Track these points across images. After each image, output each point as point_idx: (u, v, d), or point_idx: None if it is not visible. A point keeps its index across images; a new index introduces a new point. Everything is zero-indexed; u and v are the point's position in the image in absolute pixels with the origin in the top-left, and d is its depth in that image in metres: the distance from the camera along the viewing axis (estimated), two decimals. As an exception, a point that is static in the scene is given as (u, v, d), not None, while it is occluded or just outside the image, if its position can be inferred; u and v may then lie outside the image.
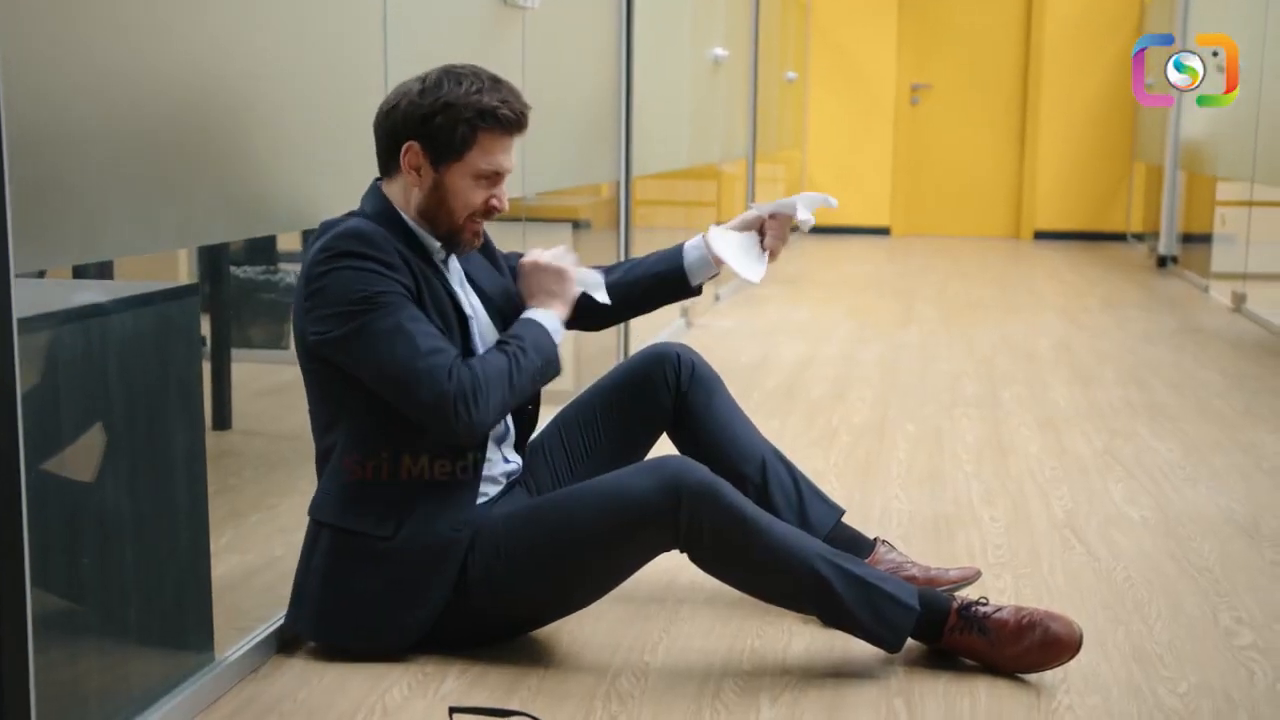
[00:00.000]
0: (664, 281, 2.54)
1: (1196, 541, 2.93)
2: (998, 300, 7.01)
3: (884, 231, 10.79)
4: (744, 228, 2.55)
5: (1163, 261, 8.60)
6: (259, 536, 2.93)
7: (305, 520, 2.96)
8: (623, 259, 4.73)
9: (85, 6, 1.74)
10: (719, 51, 6.43)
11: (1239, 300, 6.59)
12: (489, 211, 2.25)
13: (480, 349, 2.30)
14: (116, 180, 1.81)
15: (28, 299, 1.63)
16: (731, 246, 2.49)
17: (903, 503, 3.23)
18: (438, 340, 2.14)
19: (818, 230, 10.68)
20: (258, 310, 4.86)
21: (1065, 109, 10.40)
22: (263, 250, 4.67)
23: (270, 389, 4.43)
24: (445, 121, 2.17)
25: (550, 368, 2.27)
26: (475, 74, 2.21)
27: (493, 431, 2.32)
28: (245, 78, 2.14)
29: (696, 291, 2.57)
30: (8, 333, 1.57)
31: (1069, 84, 10.38)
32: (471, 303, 2.34)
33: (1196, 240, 8.22)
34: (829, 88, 10.65)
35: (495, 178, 2.23)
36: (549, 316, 2.31)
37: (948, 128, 10.70)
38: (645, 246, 5.29)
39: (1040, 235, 10.57)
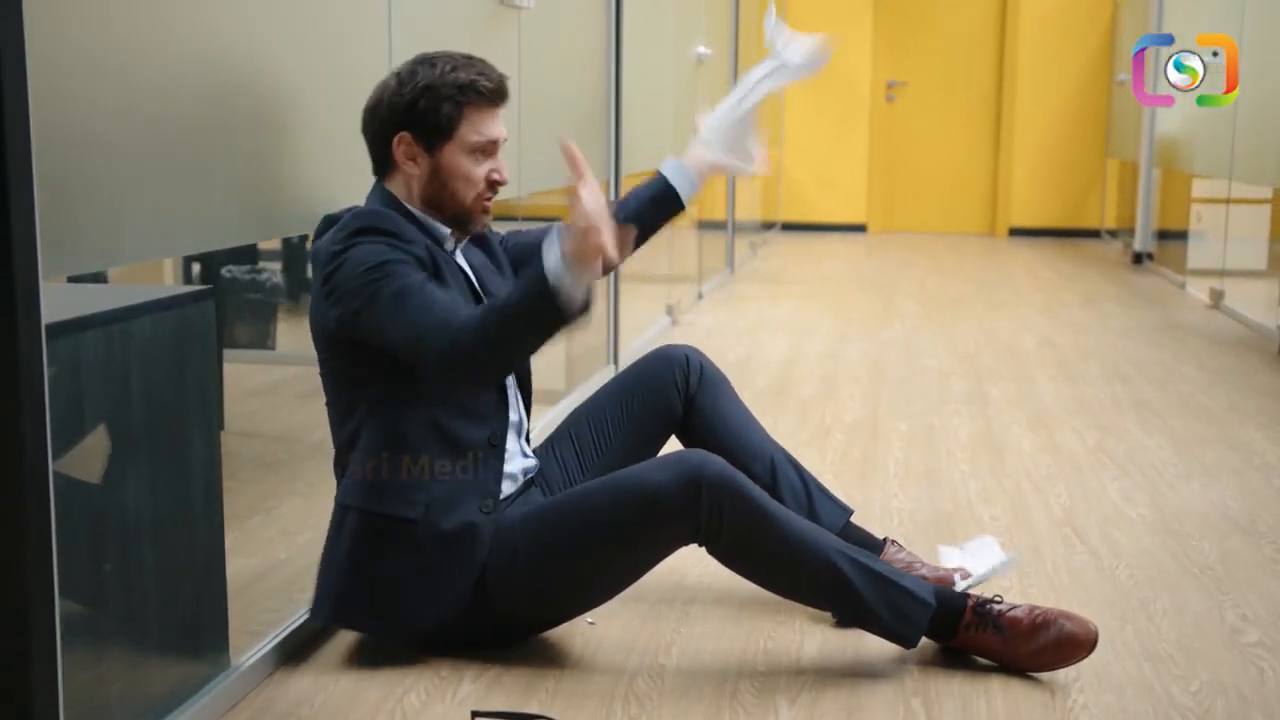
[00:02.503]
0: (659, 205, 2.52)
1: (1195, 539, 2.96)
2: (977, 297, 7.05)
3: (860, 228, 10.83)
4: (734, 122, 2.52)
5: (1138, 258, 8.66)
6: (261, 539, 2.91)
7: (305, 521, 2.96)
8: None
9: (106, 16, 1.72)
10: (702, 50, 6.44)
11: (1217, 297, 6.65)
12: (492, 186, 2.26)
13: None
14: (136, 186, 1.80)
15: (52, 304, 1.62)
16: (720, 143, 2.45)
17: (902, 501, 3.25)
18: (436, 295, 2.09)
19: (794, 227, 10.72)
20: (243, 310, 4.84)
21: (1040, 106, 10.46)
22: (244, 250, 4.65)
23: (259, 389, 4.41)
24: (429, 104, 2.19)
25: (547, 313, 1.99)
26: (448, 55, 2.24)
27: (511, 420, 2.32)
28: (258, 83, 2.13)
29: (683, 207, 2.55)
30: (36, 338, 1.55)
31: (1043, 81, 10.44)
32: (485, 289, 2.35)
33: (1172, 237, 8.29)
34: (806, 85, 10.63)
35: (490, 147, 2.25)
36: (551, 254, 1.98)
37: (923, 125, 10.75)
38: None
39: (1015, 232, 10.63)
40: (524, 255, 2.45)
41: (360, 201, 2.40)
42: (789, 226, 10.80)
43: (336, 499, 2.26)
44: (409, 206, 2.26)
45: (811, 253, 9.32)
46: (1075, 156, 10.49)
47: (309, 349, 2.28)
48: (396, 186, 2.26)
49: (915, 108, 10.75)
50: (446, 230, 2.27)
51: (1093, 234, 10.47)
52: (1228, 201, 6.72)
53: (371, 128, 2.25)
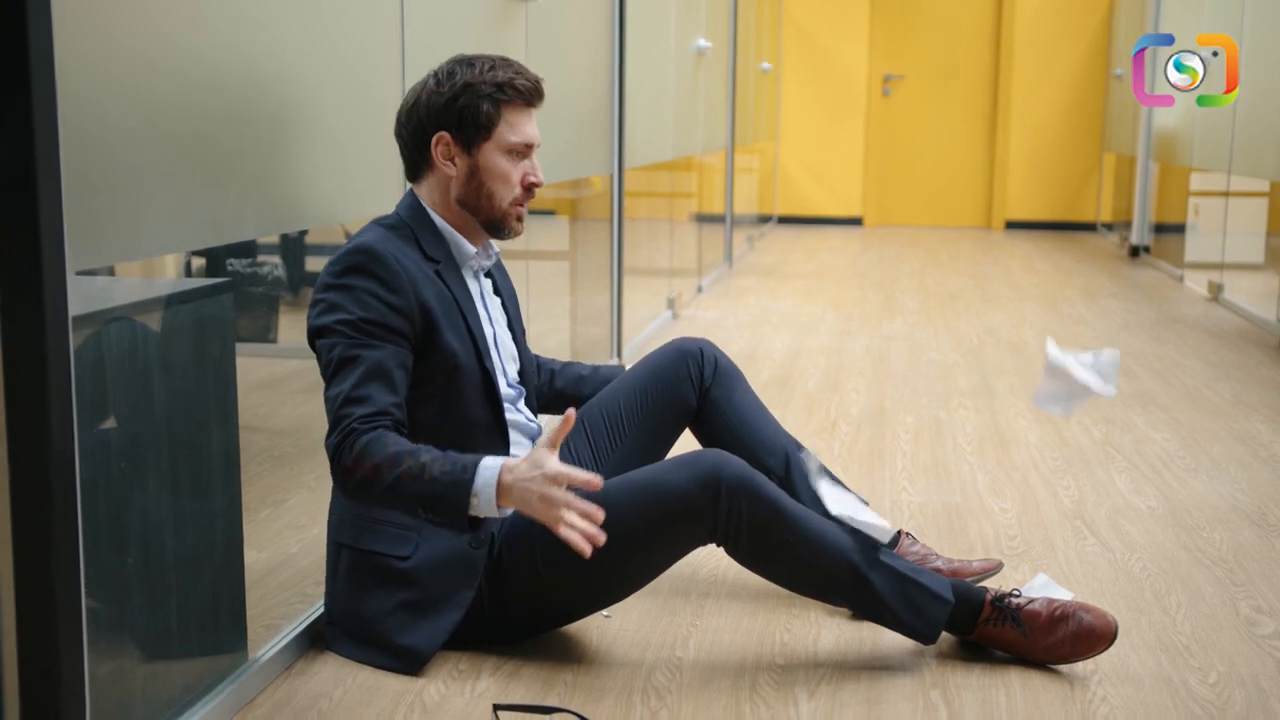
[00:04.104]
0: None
1: (1206, 531, 2.96)
2: (976, 291, 7.05)
3: (856, 222, 10.83)
4: None
5: (1135, 251, 8.68)
6: (271, 533, 2.90)
7: (315, 515, 2.95)
8: (615, 255, 4.74)
9: (131, 20, 1.72)
10: (702, 42, 6.43)
11: (1216, 290, 6.66)
12: (528, 189, 2.26)
13: (498, 365, 2.30)
14: (158, 179, 1.79)
15: (77, 297, 1.61)
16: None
17: (911, 494, 3.25)
18: (372, 387, 2.06)
19: (790, 221, 10.72)
20: (245, 303, 4.82)
21: (1036, 100, 10.47)
22: (243, 243, 4.63)
23: (262, 382, 4.40)
24: (468, 103, 2.19)
25: (445, 516, 2.00)
26: (484, 56, 2.25)
27: (527, 429, 2.33)
28: (273, 79, 2.12)
29: None
30: (63, 331, 1.55)
31: (1040, 75, 10.44)
32: (494, 317, 2.34)
33: (1169, 230, 8.30)
34: (802, 78, 10.68)
35: (526, 150, 2.25)
36: (489, 479, 1.97)
37: (920, 118, 10.75)
38: (635, 238, 5.29)
39: (1011, 225, 10.64)
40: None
41: (375, 196, 2.40)
42: (785, 220, 10.81)
43: (329, 533, 2.26)
44: (437, 218, 2.25)
45: (808, 246, 9.32)
46: (1071, 150, 10.50)
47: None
48: (431, 191, 2.25)
49: (912, 101, 10.76)
50: (472, 250, 2.27)
51: (1088, 227, 10.49)
52: (1226, 195, 6.73)
53: (408, 128, 2.24)
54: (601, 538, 1.93)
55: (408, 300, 2.13)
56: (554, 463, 1.94)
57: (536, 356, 2.62)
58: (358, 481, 2.01)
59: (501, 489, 1.96)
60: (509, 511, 1.99)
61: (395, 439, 2.02)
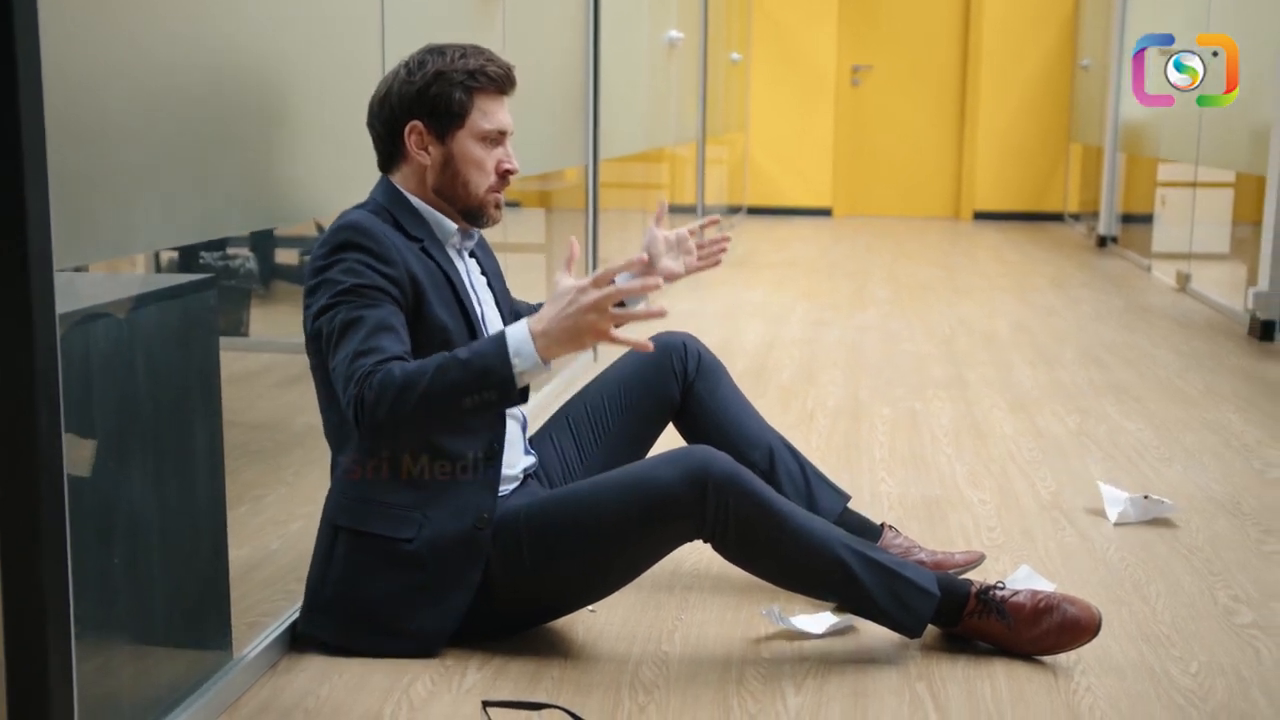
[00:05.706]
0: None
1: (1182, 521, 2.99)
2: (947, 281, 7.08)
3: (825, 213, 10.85)
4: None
5: (1102, 241, 8.73)
6: (250, 529, 2.89)
7: (294, 510, 2.94)
8: (590, 247, 4.73)
9: (118, 13, 1.71)
10: (674, 34, 6.43)
11: (1184, 280, 6.71)
12: (503, 176, 2.26)
13: None
14: (146, 175, 1.78)
15: (61, 293, 1.60)
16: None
17: (890, 486, 3.26)
18: (380, 339, 2.04)
19: (759, 212, 10.74)
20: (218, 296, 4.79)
21: (1004, 90, 10.52)
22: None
23: (234, 377, 4.36)
24: (440, 91, 2.19)
25: (493, 391, 1.99)
26: (454, 45, 2.25)
27: (514, 412, 2.30)
28: (259, 75, 2.11)
29: None
30: (51, 329, 1.53)
31: (1007, 65, 10.49)
32: (482, 296, 2.33)
33: (1137, 220, 8.36)
34: (771, 69, 10.68)
35: (500, 137, 2.25)
36: (521, 335, 1.99)
37: (888, 109, 10.78)
38: (608, 229, 5.29)
39: (979, 215, 10.69)
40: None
41: (361, 192, 2.38)
42: (755, 210, 10.82)
43: (325, 516, 2.23)
44: (415, 201, 2.24)
45: (778, 237, 9.33)
46: (1039, 140, 10.56)
47: (281, 335, 2.26)
48: (406, 180, 2.25)
49: (880, 92, 10.79)
50: (453, 227, 2.26)
51: (1055, 217, 10.55)
52: (1194, 185, 6.78)
53: (381, 118, 2.23)
54: (665, 312, 1.97)
55: (399, 270, 2.12)
56: (577, 280, 1.98)
57: (526, 303, 2.58)
58: (389, 406, 1.97)
59: (538, 338, 1.98)
60: (552, 367, 2.01)
61: (407, 365, 2.02)
